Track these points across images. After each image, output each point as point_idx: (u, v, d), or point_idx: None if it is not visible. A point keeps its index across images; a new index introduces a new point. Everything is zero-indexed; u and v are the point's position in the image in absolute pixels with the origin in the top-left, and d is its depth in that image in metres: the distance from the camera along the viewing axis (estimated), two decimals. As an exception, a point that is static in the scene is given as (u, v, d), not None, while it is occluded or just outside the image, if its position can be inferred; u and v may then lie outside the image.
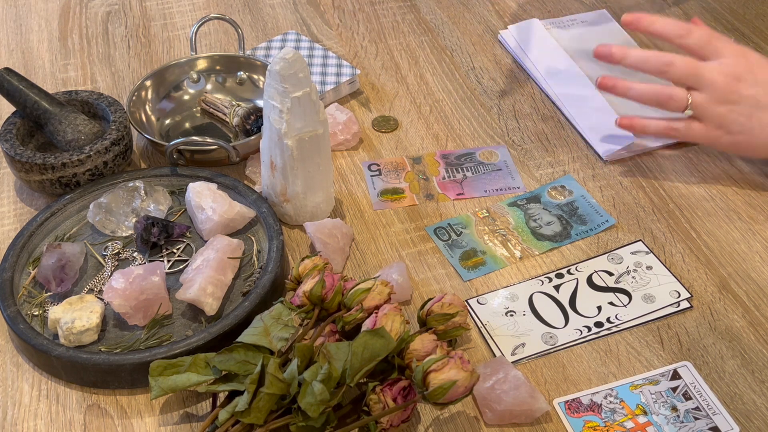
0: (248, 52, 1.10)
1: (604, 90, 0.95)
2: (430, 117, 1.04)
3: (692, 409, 0.73)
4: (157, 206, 0.89)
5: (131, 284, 0.77)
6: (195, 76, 1.06)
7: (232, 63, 1.07)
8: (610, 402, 0.74)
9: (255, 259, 0.85)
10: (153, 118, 1.02)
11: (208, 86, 1.06)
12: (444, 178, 0.96)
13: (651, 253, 0.86)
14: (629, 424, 0.72)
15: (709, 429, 0.71)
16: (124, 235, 0.87)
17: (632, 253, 0.87)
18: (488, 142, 1.00)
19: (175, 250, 0.86)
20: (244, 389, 0.66)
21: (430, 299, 0.76)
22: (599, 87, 0.95)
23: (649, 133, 0.95)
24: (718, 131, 0.90)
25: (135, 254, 0.85)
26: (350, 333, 0.74)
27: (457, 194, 0.94)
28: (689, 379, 0.75)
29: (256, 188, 0.93)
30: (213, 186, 0.88)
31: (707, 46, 0.90)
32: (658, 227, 0.90)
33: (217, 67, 1.07)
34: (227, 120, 1.01)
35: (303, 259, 0.78)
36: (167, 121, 1.03)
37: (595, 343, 0.79)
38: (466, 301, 0.83)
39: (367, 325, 0.71)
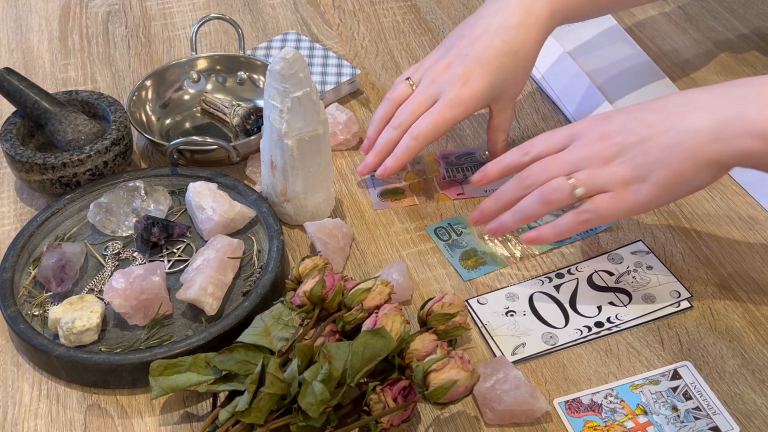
0: (248, 52, 1.10)
1: (495, 235, 0.85)
2: (431, 117, 1.04)
3: (692, 408, 0.73)
4: (158, 206, 0.89)
5: (131, 284, 0.77)
6: (195, 76, 1.06)
7: (232, 63, 1.07)
8: (611, 402, 0.74)
9: (255, 258, 0.85)
10: (153, 117, 1.02)
11: (209, 86, 1.06)
12: (444, 178, 0.96)
13: (651, 253, 0.86)
14: (629, 424, 0.72)
15: (710, 429, 0.71)
16: (124, 235, 0.87)
17: (632, 253, 0.87)
18: (488, 142, 1.00)
19: (175, 250, 0.86)
20: (245, 389, 0.66)
21: (430, 299, 0.76)
22: (489, 233, 0.82)
23: (561, 233, 0.79)
24: (630, 186, 0.74)
25: (135, 254, 0.85)
26: (350, 333, 0.74)
27: (458, 194, 0.94)
28: (689, 379, 0.75)
29: (257, 188, 0.93)
30: (213, 186, 0.88)
31: (555, 140, 0.79)
32: (658, 227, 0.90)
33: (218, 67, 1.07)
34: (227, 120, 1.01)
35: (303, 259, 0.78)
36: (167, 121, 1.03)
37: (595, 343, 0.79)
38: (467, 301, 0.83)
39: (367, 325, 0.71)
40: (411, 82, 0.92)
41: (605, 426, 0.72)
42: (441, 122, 0.88)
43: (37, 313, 0.80)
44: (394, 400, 0.67)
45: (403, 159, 0.89)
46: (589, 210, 0.76)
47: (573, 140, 0.78)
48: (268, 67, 0.82)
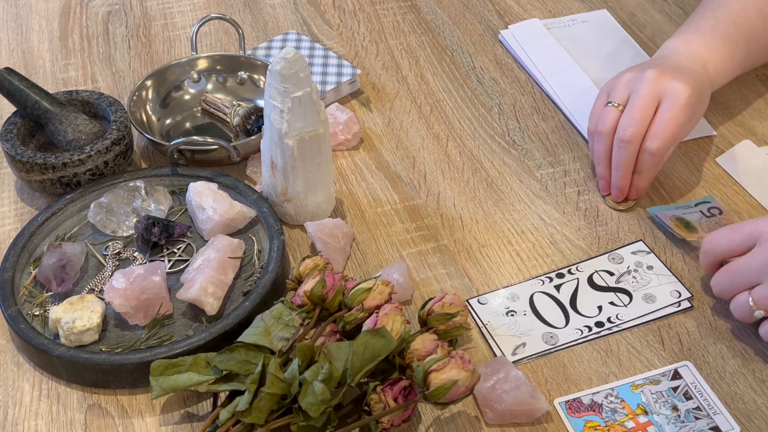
0: (249, 52, 1.10)
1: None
2: (431, 117, 1.04)
3: (693, 408, 0.73)
4: (158, 206, 0.89)
5: (132, 284, 0.77)
6: (195, 75, 1.06)
7: (232, 63, 1.07)
8: (611, 402, 0.74)
9: (256, 258, 0.85)
10: (154, 117, 1.02)
11: (209, 86, 1.06)
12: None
13: (652, 253, 0.86)
14: (630, 424, 0.72)
15: (710, 429, 0.71)
16: (124, 234, 0.87)
17: (633, 252, 0.87)
18: (488, 142, 1.00)
19: (175, 250, 0.86)
20: (245, 389, 0.66)
21: (430, 299, 0.76)
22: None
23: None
24: None
25: (136, 254, 0.85)
26: (351, 333, 0.74)
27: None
28: (690, 379, 0.75)
29: (257, 188, 0.93)
30: (214, 186, 0.88)
31: (736, 241, 0.76)
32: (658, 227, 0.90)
33: (218, 67, 1.07)
34: (228, 120, 1.01)
35: (304, 259, 0.78)
36: (168, 121, 1.03)
37: (595, 342, 0.79)
38: (467, 300, 0.83)
39: (367, 324, 0.71)
40: (616, 104, 0.88)
41: (606, 426, 0.72)
42: (677, 128, 0.85)
43: (37, 312, 0.80)
44: (395, 400, 0.67)
45: (650, 176, 0.88)
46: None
47: (756, 241, 0.75)
48: (269, 67, 0.82)
